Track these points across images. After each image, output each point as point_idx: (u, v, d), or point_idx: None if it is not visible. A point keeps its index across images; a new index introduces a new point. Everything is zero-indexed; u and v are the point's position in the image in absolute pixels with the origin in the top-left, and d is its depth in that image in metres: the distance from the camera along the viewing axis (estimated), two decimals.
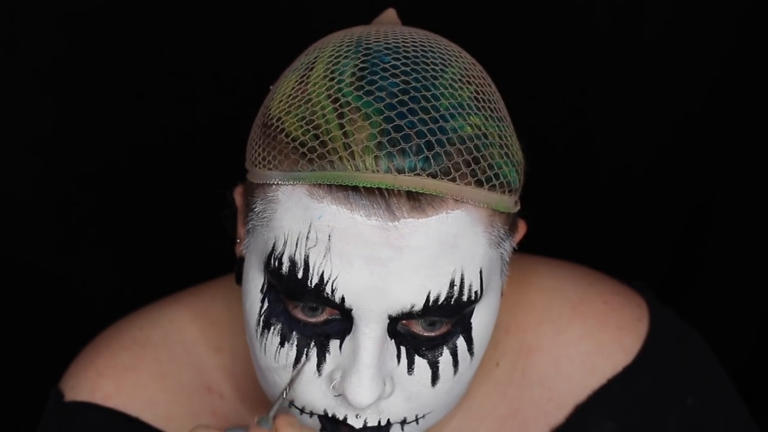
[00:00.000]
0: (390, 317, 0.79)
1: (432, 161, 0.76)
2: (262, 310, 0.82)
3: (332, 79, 0.79)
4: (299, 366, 0.81)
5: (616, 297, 0.99)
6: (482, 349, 0.85)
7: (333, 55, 0.80)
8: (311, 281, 0.78)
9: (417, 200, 0.76)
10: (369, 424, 0.83)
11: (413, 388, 0.82)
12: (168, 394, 0.96)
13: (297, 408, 0.84)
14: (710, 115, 1.40)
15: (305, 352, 0.81)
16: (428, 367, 0.82)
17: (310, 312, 0.81)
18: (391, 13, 0.91)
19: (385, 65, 0.78)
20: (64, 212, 1.41)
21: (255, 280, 0.83)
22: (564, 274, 1.01)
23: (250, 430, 0.79)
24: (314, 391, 0.82)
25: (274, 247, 0.80)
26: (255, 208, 0.82)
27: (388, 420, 0.83)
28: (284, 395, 0.82)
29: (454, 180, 0.77)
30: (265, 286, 0.82)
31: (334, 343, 0.81)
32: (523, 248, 0.89)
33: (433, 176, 0.76)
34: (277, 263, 0.79)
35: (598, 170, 1.43)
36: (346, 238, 0.77)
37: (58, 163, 1.38)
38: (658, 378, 0.97)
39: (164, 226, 1.41)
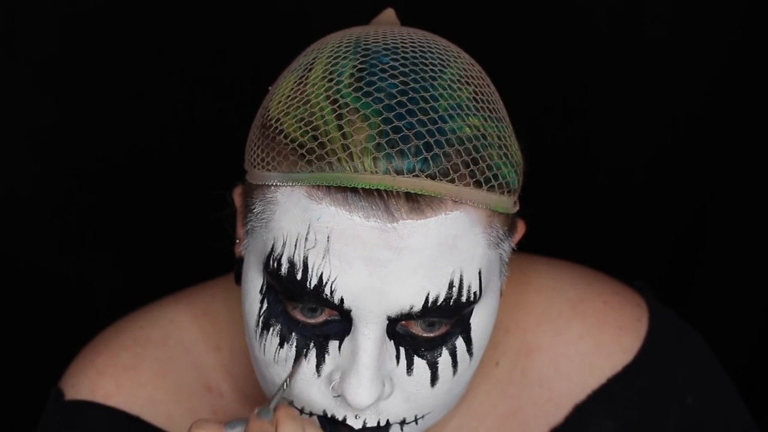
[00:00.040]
0: (389, 318, 0.79)
1: (431, 162, 0.76)
2: (262, 311, 0.82)
3: (331, 80, 0.78)
4: (300, 360, 0.81)
5: (615, 297, 0.99)
6: (481, 350, 0.85)
7: (332, 56, 0.80)
8: (310, 282, 0.78)
9: (416, 201, 0.76)
10: (368, 425, 0.83)
11: (412, 389, 0.82)
12: (168, 393, 0.96)
13: (296, 408, 0.84)
14: (710, 116, 1.40)
15: (304, 353, 0.81)
16: (427, 367, 0.82)
17: (309, 313, 0.81)
18: (389, 13, 0.91)
19: (383, 66, 0.78)
20: (64, 212, 1.41)
21: (254, 281, 0.83)
22: (563, 274, 1.01)
23: (250, 422, 0.79)
24: (313, 391, 0.82)
25: (273, 248, 0.80)
26: (254, 209, 0.82)
27: (388, 420, 0.83)
28: (285, 386, 0.81)
29: (452, 181, 0.76)
30: (265, 286, 0.82)
31: (333, 344, 0.81)
32: (523, 248, 0.89)
33: (432, 177, 0.76)
34: (276, 264, 0.79)
35: (598, 170, 1.43)
36: (345, 239, 0.76)
37: (58, 163, 1.38)
38: (658, 377, 0.97)
39: (164, 226, 1.41)
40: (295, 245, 0.78)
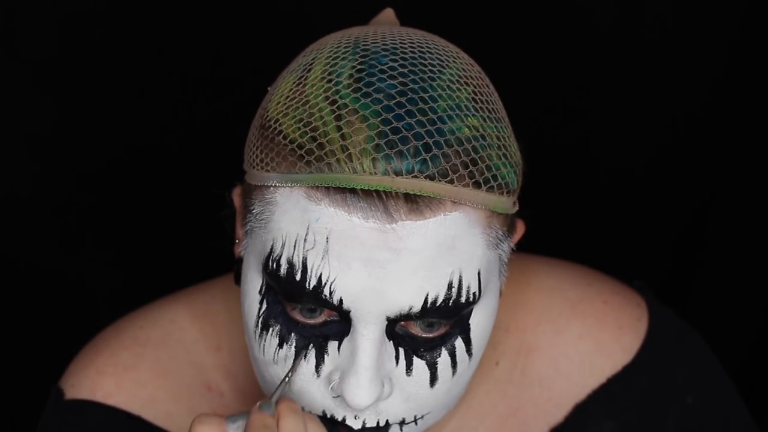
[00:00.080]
0: (388, 319, 0.79)
1: (430, 163, 0.76)
2: (261, 312, 0.83)
3: (330, 81, 0.78)
4: (300, 357, 0.81)
5: (615, 296, 0.99)
6: (481, 350, 0.85)
7: (330, 56, 0.80)
8: (309, 283, 0.78)
9: (415, 202, 0.76)
10: (368, 425, 0.83)
11: (412, 389, 0.82)
12: (168, 393, 0.96)
13: None
14: (710, 116, 1.40)
15: (303, 354, 0.81)
16: (427, 368, 0.82)
17: (308, 313, 0.81)
18: (389, 13, 0.91)
19: (382, 67, 0.78)
20: (64, 212, 1.41)
21: (253, 281, 0.83)
22: (563, 274, 1.01)
23: (252, 416, 0.79)
24: (313, 392, 0.82)
25: (272, 249, 0.80)
26: (253, 209, 0.82)
27: (387, 421, 0.83)
28: (287, 380, 0.81)
29: (451, 182, 0.76)
30: (264, 287, 0.82)
31: (332, 345, 0.81)
32: (523, 248, 0.89)
33: (431, 178, 0.76)
34: (275, 265, 0.79)
35: (598, 170, 1.43)
36: (344, 240, 0.76)
37: (58, 163, 1.38)
38: (658, 377, 0.97)
39: (164, 226, 1.41)
40: (294, 246, 0.78)
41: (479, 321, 0.83)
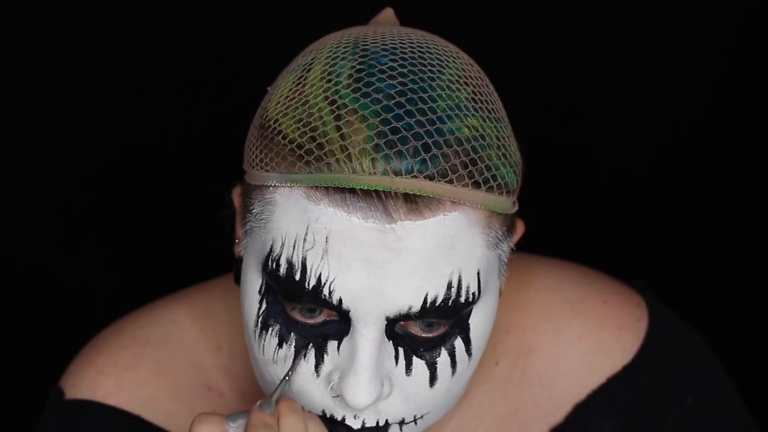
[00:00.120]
0: (388, 318, 0.79)
1: (429, 163, 0.76)
2: (260, 311, 0.83)
3: (329, 80, 0.78)
4: (300, 356, 0.82)
5: (615, 296, 0.99)
6: (480, 350, 0.85)
7: (330, 56, 0.80)
8: (309, 283, 0.78)
9: (414, 202, 0.76)
10: (367, 425, 0.83)
11: (411, 389, 0.82)
12: (168, 393, 0.96)
13: None
14: (710, 116, 1.40)
15: (303, 353, 0.81)
16: (426, 367, 0.82)
17: (307, 313, 0.81)
18: (388, 13, 0.91)
19: (382, 67, 0.78)
20: (64, 212, 1.41)
21: (253, 281, 0.83)
22: (563, 274, 1.01)
23: (252, 415, 0.79)
24: (312, 391, 0.82)
25: (271, 248, 0.80)
26: (253, 209, 0.82)
27: (387, 420, 0.83)
28: (287, 379, 0.81)
29: (451, 182, 0.76)
30: (263, 287, 0.82)
31: (332, 345, 0.81)
32: (523, 248, 0.89)
33: (431, 178, 0.76)
34: (274, 265, 0.79)
35: (598, 170, 1.43)
36: (343, 240, 0.76)
37: (58, 163, 1.38)
38: (658, 377, 0.97)
39: (164, 226, 1.41)
40: (294, 246, 0.78)
41: (479, 321, 0.83)
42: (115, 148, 1.39)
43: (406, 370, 0.81)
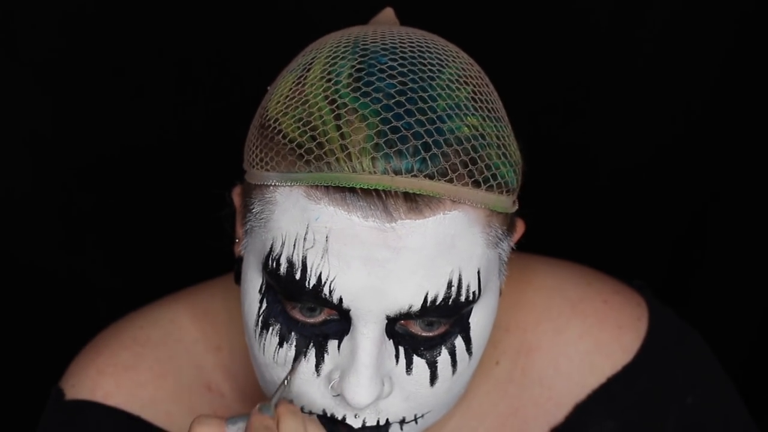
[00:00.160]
0: (388, 318, 0.79)
1: (429, 162, 0.76)
2: (261, 311, 0.83)
3: (329, 80, 0.78)
4: (300, 356, 0.82)
5: (615, 296, 0.99)
6: (481, 349, 0.85)
7: (330, 56, 0.80)
8: (309, 282, 0.78)
9: (414, 201, 0.76)
10: (368, 424, 0.83)
11: (412, 388, 0.82)
12: (168, 393, 0.96)
13: None
14: (710, 115, 1.40)
15: (304, 353, 0.81)
16: (427, 366, 0.82)
17: (308, 312, 0.81)
18: (388, 12, 0.91)
19: (382, 66, 0.78)
20: (64, 212, 1.41)
21: (253, 281, 0.83)
22: (563, 273, 1.01)
23: (252, 418, 0.79)
24: (313, 391, 0.82)
25: (272, 248, 0.80)
26: (253, 208, 0.82)
27: (387, 420, 0.83)
28: (285, 383, 0.81)
29: (451, 181, 0.76)
30: (264, 286, 0.82)
31: (332, 344, 0.81)
32: (523, 247, 0.89)
33: (431, 177, 0.76)
34: (275, 264, 0.80)
35: (598, 170, 1.43)
36: (343, 239, 0.77)
37: (59, 163, 1.38)
38: (658, 377, 0.97)
39: (164, 225, 1.41)
40: (294, 245, 0.78)
41: (479, 320, 0.83)
42: (115, 148, 1.39)
43: (406, 369, 0.81)
